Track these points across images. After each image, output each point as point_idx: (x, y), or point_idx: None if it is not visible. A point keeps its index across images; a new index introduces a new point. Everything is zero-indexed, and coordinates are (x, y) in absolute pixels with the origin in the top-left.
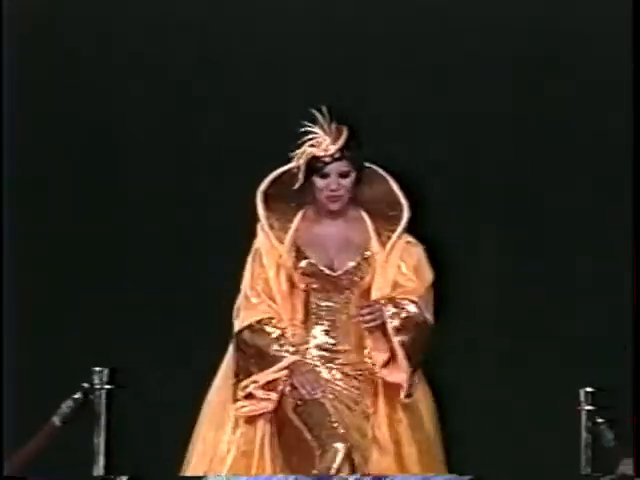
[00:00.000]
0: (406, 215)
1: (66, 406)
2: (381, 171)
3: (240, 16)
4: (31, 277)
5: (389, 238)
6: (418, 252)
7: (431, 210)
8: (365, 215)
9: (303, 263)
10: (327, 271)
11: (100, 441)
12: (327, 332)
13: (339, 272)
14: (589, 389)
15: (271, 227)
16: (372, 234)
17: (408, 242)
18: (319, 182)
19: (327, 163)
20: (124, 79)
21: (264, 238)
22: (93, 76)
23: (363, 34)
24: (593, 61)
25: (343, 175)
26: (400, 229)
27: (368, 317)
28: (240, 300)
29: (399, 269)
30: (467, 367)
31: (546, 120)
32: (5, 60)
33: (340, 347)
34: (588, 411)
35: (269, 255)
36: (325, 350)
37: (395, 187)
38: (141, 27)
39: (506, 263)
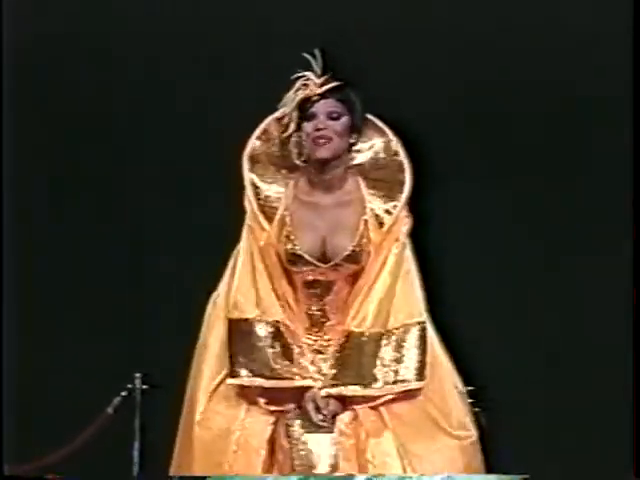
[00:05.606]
0: (407, 189)
1: (116, 400)
2: (380, 124)
3: None
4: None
5: (389, 213)
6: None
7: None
8: (362, 185)
9: (289, 249)
10: (317, 262)
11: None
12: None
13: (331, 263)
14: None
15: (257, 197)
16: (369, 214)
17: (406, 217)
18: (307, 127)
19: (314, 102)
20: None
21: (250, 213)
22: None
23: None
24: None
25: (332, 117)
26: (400, 205)
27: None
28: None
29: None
30: None
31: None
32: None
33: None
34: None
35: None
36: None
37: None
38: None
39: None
